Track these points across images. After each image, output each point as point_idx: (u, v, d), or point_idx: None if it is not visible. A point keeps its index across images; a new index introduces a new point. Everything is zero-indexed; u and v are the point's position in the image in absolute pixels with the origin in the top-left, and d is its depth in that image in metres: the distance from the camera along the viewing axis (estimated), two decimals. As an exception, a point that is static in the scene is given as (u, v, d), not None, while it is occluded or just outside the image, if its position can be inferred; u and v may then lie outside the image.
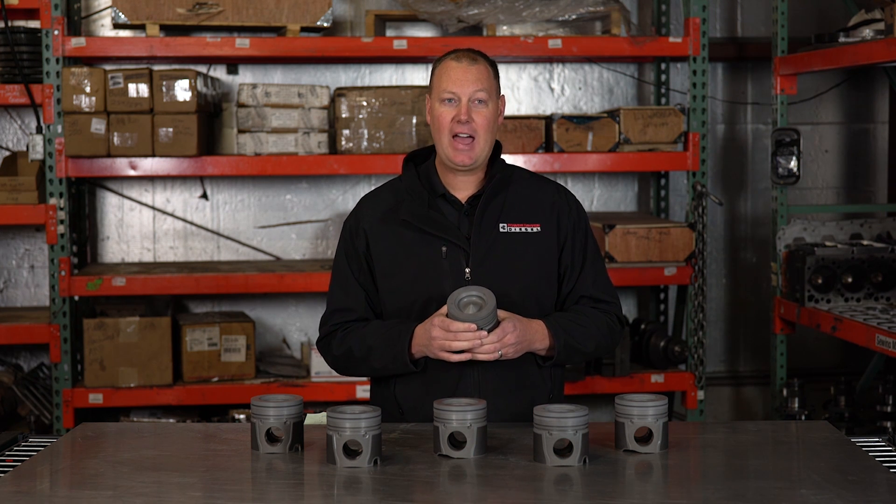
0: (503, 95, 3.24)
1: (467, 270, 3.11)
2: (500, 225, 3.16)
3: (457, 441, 2.74)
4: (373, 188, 3.39)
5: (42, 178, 5.28)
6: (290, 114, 5.36)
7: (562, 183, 6.05)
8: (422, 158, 3.29)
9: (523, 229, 3.18)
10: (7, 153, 5.74)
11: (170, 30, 5.44)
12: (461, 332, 2.97)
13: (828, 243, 5.32)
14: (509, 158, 5.33)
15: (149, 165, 5.25)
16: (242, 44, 5.26)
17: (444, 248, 3.13)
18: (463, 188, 3.21)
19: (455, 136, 3.13)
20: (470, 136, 3.13)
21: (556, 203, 3.23)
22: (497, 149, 3.26)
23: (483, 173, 3.22)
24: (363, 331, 3.16)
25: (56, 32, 5.16)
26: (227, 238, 5.93)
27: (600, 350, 3.23)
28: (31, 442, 3.06)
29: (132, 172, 5.25)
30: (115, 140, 5.16)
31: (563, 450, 2.69)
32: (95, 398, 5.24)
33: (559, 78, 6.08)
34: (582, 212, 3.28)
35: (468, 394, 3.09)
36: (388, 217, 3.19)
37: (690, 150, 5.47)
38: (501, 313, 3.04)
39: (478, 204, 3.17)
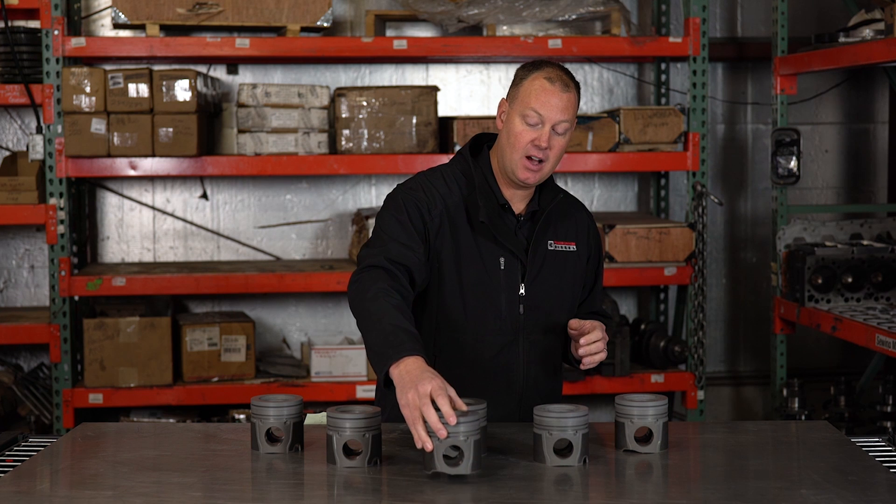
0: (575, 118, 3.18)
1: (522, 286, 3.11)
2: (549, 242, 3.16)
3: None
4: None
5: (42, 178, 5.28)
6: (290, 114, 5.36)
7: (562, 183, 6.09)
8: (474, 152, 3.19)
9: (565, 247, 3.18)
10: (7, 153, 5.74)
11: (170, 30, 5.43)
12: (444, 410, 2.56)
13: (828, 243, 5.32)
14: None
15: (149, 165, 5.25)
16: (242, 44, 5.26)
17: (502, 259, 3.09)
18: (518, 201, 3.16)
19: (528, 157, 3.07)
20: (541, 161, 3.07)
21: (585, 223, 3.25)
22: None
23: (533, 188, 3.21)
24: (376, 308, 2.82)
25: (56, 32, 5.16)
26: (227, 238, 5.93)
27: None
28: (31, 442, 3.06)
29: (132, 172, 5.25)
30: (115, 140, 5.16)
31: (563, 450, 2.69)
32: (95, 398, 5.24)
33: (559, 78, 6.07)
34: (597, 229, 3.33)
35: (510, 404, 3.09)
36: (456, 210, 3.09)
37: (690, 150, 5.47)
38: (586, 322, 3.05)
39: (534, 219, 3.15)
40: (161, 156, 5.21)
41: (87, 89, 5.13)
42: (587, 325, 3.01)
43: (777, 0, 5.36)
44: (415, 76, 5.97)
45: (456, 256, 3.06)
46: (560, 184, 6.04)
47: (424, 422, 2.54)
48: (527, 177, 3.06)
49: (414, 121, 5.36)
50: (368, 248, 3.00)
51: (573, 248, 3.19)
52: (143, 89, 5.16)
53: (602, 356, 3.02)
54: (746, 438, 3.00)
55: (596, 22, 5.81)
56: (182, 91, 5.17)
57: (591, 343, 2.99)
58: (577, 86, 3.11)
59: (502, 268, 3.08)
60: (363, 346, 3.29)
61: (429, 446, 2.54)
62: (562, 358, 3.23)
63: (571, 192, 3.33)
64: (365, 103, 5.33)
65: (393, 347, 2.71)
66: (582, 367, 3.06)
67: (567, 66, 6.05)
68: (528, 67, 3.11)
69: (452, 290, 3.07)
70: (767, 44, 5.68)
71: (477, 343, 3.09)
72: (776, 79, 5.41)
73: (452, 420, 2.52)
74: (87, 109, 5.14)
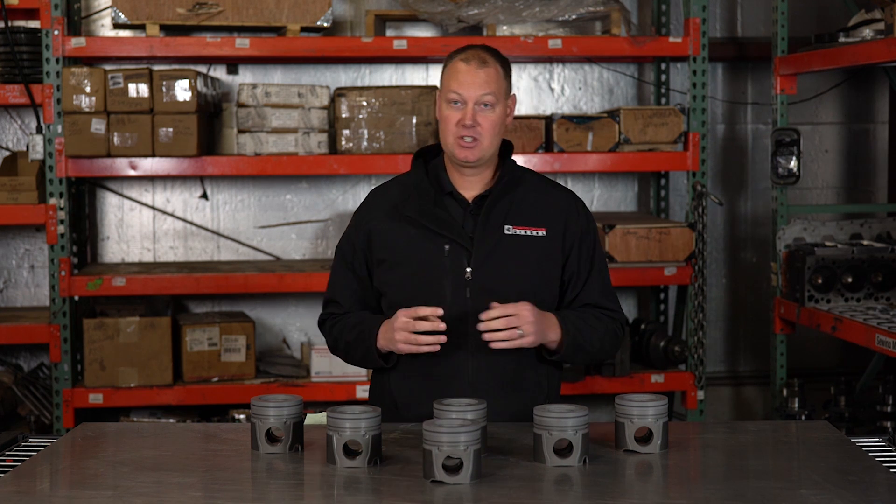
0: (513, 95, 3.23)
1: (468, 270, 3.11)
2: (506, 226, 3.15)
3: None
4: (374, 186, 3.40)
5: (42, 178, 5.28)
6: (290, 114, 5.36)
7: (562, 183, 6.09)
8: (432, 155, 3.28)
9: (529, 232, 3.17)
10: (7, 153, 5.74)
11: (170, 30, 5.43)
12: (424, 315, 2.99)
13: (828, 243, 5.32)
14: (509, 158, 5.35)
15: (149, 165, 5.25)
16: (242, 44, 5.26)
17: (446, 247, 3.12)
18: (470, 187, 3.20)
19: (460, 137, 3.13)
20: (474, 139, 3.12)
21: (564, 209, 3.22)
22: (508, 149, 3.26)
23: (491, 174, 3.22)
24: (344, 324, 3.22)
25: (56, 32, 5.16)
26: (227, 238, 5.93)
27: (603, 353, 3.23)
28: (31, 442, 3.06)
29: (132, 172, 5.25)
30: (115, 140, 5.16)
31: (563, 450, 2.69)
32: (95, 398, 5.24)
33: (559, 78, 6.08)
34: (591, 220, 3.27)
35: (462, 391, 3.07)
36: (393, 213, 3.19)
37: (690, 150, 5.47)
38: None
39: (484, 204, 3.16)
40: (161, 156, 5.21)
41: (87, 89, 5.13)
42: (508, 307, 2.98)
43: (777, 0, 5.36)
44: (415, 76, 5.97)
45: (395, 251, 3.16)
46: (560, 183, 6.05)
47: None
48: (465, 155, 3.13)
49: (414, 121, 5.36)
50: (326, 292, 3.31)
51: (541, 233, 3.17)
52: (143, 89, 5.15)
53: (508, 335, 2.97)
54: (746, 438, 2.99)
55: (596, 22, 5.81)
56: (182, 91, 5.17)
57: (491, 319, 2.97)
58: (501, 61, 3.18)
59: (446, 254, 3.12)
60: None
61: (442, 338, 2.98)
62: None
63: (582, 200, 3.32)
64: (365, 103, 5.33)
65: (367, 334, 3.12)
66: (492, 346, 3.01)
67: (567, 65, 6.08)
68: (451, 55, 3.20)
69: (397, 285, 3.15)
70: (767, 44, 5.68)
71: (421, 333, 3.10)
72: (776, 79, 5.41)
73: (440, 311, 2.97)
74: (87, 109, 5.14)
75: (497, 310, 2.98)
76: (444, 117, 3.16)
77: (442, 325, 2.97)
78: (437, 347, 3.00)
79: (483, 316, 2.98)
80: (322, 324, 3.32)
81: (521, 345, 3.01)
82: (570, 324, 3.11)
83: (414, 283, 3.13)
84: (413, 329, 2.99)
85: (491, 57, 3.16)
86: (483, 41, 5.41)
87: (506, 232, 3.15)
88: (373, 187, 5.94)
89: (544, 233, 3.17)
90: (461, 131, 3.11)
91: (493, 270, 3.11)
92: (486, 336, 2.98)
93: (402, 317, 3.01)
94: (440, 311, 2.99)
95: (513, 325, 2.98)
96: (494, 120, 3.14)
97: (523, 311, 2.99)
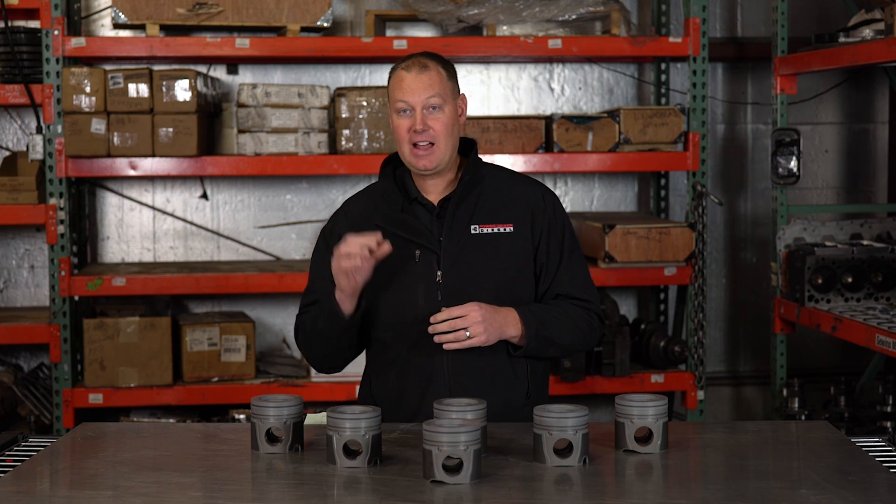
0: (463, 94, 3.23)
1: (439, 273, 3.12)
2: (472, 226, 3.16)
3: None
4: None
5: (42, 178, 5.28)
6: (290, 114, 5.36)
7: (562, 183, 6.09)
8: (401, 161, 3.27)
9: (495, 230, 3.17)
10: (7, 153, 5.74)
11: (170, 30, 5.44)
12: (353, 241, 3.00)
13: (828, 243, 5.32)
14: (509, 159, 5.36)
15: (149, 165, 5.25)
16: (242, 44, 5.26)
17: (417, 252, 3.14)
18: (434, 191, 3.21)
19: (415, 144, 3.13)
20: (430, 143, 3.13)
21: (530, 202, 3.21)
22: (471, 148, 3.25)
23: (454, 175, 3.23)
24: (314, 322, 3.20)
25: (56, 32, 5.16)
26: (227, 238, 5.93)
27: (577, 345, 3.21)
28: (31, 442, 3.06)
29: (132, 172, 5.25)
30: (115, 140, 5.16)
31: (563, 450, 2.69)
32: (95, 398, 5.24)
33: (559, 78, 6.08)
34: (559, 209, 3.25)
35: (439, 392, 3.08)
36: (363, 221, 3.19)
37: (690, 150, 5.47)
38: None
39: (448, 206, 3.17)
40: (161, 156, 5.21)
41: (87, 89, 5.13)
42: (454, 309, 3.01)
43: (777, 0, 5.36)
44: (415, 76, 5.96)
45: None
46: (560, 184, 6.06)
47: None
48: (423, 164, 3.14)
49: (414, 121, 5.35)
50: (301, 301, 3.26)
51: (508, 229, 3.17)
52: (143, 89, 5.16)
53: (455, 336, 3.00)
54: (746, 438, 2.99)
55: (596, 22, 5.81)
56: (182, 91, 5.17)
57: (439, 322, 3.00)
58: (443, 64, 3.17)
59: (417, 260, 3.13)
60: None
61: (462, 335, 2.98)
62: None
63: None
64: (365, 103, 5.33)
65: (326, 295, 3.09)
66: (445, 347, 3.04)
67: (567, 65, 6.08)
68: (394, 66, 3.21)
69: (370, 292, 3.13)
70: (767, 44, 5.68)
71: (397, 338, 3.15)
72: (776, 79, 5.41)
73: (377, 236, 2.99)
74: (87, 109, 5.14)
75: (443, 313, 3.01)
76: (395, 127, 3.16)
77: (456, 313, 2.99)
78: (455, 339, 3.01)
79: (431, 319, 3.02)
80: (297, 331, 3.28)
81: (472, 344, 3.03)
82: (532, 318, 3.10)
83: (387, 288, 3.14)
84: (339, 254, 3.01)
85: (431, 61, 3.16)
86: (483, 41, 5.41)
87: (472, 232, 3.16)
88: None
89: (511, 228, 3.17)
90: (414, 137, 3.12)
91: (462, 272, 3.12)
92: (436, 339, 3.03)
93: (343, 247, 3.02)
94: (378, 236, 3.01)
95: (459, 326, 3.01)
96: (445, 121, 3.13)
97: (470, 312, 3.01)
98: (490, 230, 3.16)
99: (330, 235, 3.25)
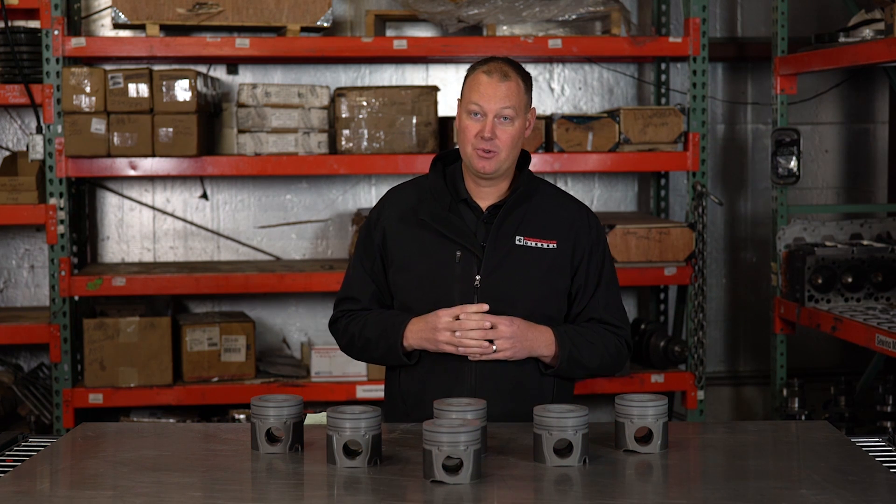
0: (533, 108, 3.24)
1: (478, 278, 3.13)
2: (517, 237, 3.18)
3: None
4: (374, 186, 3.41)
5: (42, 178, 5.28)
6: (290, 114, 5.36)
7: (562, 183, 6.09)
8: (451, 159, 3.29)
9: (539, 244, 3.19)
10: (7, 153, 5.74)
11: (170, 30, 5.44)
12: (472, 314, 3.04)
13: (828, 243, 5.32)
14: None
15: (149, 165, 5.25)
16: (242, 44, 5.26)
17: (458, 253, 3.15)
18: (485, 196, 3.22)
19: (478, 148, 3.14)
20: (492, 151, 3.13)
21: (576, 222, 3.24)
22: (526, 160, 3.27)
23: (508, 184, 3.24)
24: (363, 321, 3.22)
25: (56, 32, 5.16)
26: (227, 238, 5.93)
27: (604, 370, 3.24)
28: (31, 442, 3.06)
29: (132, 172, 5.25)
30: (115, 140, 5.16)
31: (563, 450, 2.69)
32: (95, 398, 5.24)
33: (559, 78, 6.08)
34: (602, 234, 3.30)
35: (462, 393, 3.10)
36: (408, 215, 3.21)
37: (690, 150, 5.47)
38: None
39: (498, 213, 3.18)
40: (161, 156, 5.21)
41: (87, 89, 5.13)
42: (488, 318, 3.06)
43: (777, 0, 5.36)
44: (415, 76, 5.97)
45: (407, 254, 3.19)
46: (560, 184, 6.06)
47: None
48: (482, 166, 3.14)
49: (414, 121, 5.36)
50: (340, 290, 3.31)
51: (552, 245, 3.19)
52: (143, 89, 5.16)
53: (479, 346, 3.05)
54: (746, 438, 3.00)
55: (596, 22, 5.81)
56: (182, 91, 5.17)
57: (468, 331, 3.04)
58: (522, 76, 3.18)
59: (457, 261, 3.15)
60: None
61: (488, 348, 3.04)
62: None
63: (571, 192, 3.34)
64: (365, 103, 5.33)
65: (392, 330, 3.13)
66: (471, 358, 3.09)
67: (567, 65, 6.08)
68: (473, 66, 3.22)
69: (406, 287, 3.19)
70: (767, 44, 5.68)
71: None
72: (776, 79, 5.41)
73: (485, 307, 3.03)
74: (87, 109, 5.14)
75: (477, 314, 3.04)
76: (463, 128, 3.16)
77: (487, 324, 3.04)
78: (482, 352, 3.06)
79: (466, 307, 3.06)
80: (335, 322, 3.32)
81: (496, 357, 3.07)
82: (567, 340, 3.14)
83: (424, 286, 3.16)
84: (457, 329, 3.04)
85: (513, 70, 3.16)
86: (483, 41, 5.41)
87: (517, 243, 3.17)
88: (374, 187, 6.00)
89: (555, 245, 3.20)
90: (479, 143, 3.13)
91: (501, 280, 3.14)
92: (461, 350, 3.07)
93: (445, 317, 3.05)
94: (486, 307, 3.05)
95: (488, 337, 3.04)
96: (513, 133, 3.14)
97: (501, 326, 3.05)
98: (534, 244, 3.18)
99: (372, 228, 3.27)
